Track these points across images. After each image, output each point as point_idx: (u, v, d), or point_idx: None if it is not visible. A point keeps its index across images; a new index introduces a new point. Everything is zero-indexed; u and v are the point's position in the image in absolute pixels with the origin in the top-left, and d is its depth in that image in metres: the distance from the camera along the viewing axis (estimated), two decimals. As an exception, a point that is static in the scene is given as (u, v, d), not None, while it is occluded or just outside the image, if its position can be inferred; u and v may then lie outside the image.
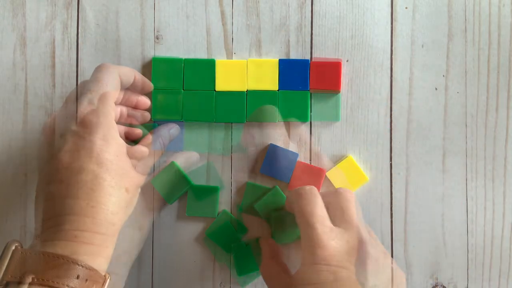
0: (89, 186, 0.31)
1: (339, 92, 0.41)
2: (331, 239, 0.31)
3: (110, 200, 0.31)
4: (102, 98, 0.33)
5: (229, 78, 0.41)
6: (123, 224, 0.34)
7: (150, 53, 0.41)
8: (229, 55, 0.42)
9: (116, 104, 0.36)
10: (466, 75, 0.42)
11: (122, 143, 0.34)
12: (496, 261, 0.42)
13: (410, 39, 0.42)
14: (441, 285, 0.41)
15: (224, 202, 0.42)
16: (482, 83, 0.42)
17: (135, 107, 0.39)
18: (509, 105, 0.42)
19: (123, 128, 0.38)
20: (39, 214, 0.32)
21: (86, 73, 0.41)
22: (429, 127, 0.42)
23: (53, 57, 0.41)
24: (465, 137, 0.42)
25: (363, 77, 0.42)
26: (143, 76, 0.39)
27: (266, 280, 0.36)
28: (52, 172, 0.32)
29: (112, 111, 0.34)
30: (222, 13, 0.42)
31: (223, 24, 0.42)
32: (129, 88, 0.38)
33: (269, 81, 0.41)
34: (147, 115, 0.40)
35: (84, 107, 0.33)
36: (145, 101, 0.39)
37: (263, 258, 0.38)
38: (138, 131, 0.39)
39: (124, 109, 0.38)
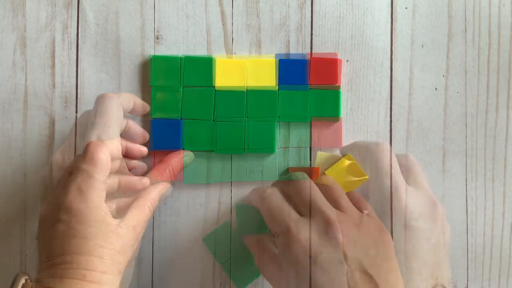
0: (97, 226, 0.31)
1: (338, 87, 0.41)
2: None
3: (118, 240, 0.32)
4: (109, 132, 0.34)
5: (228, 76, 0.41)
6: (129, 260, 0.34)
7: (150, 53, 0.41)
8: (229, 55, 0.42)
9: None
10: (466, 75, 0.42)
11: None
12: (496, 261, 0.42)
13: (410, 39, 0.42)
14: (441, 285, 0.41)
15: (224, 202, 0.42)
16: (482, 83, 0.42)
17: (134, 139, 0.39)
18: (509, 105, 0.42)
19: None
20: (44, 251, 0.32)
21: (86, 73, 0.41)
22: (429, 127, 0.42)
23: (53, 57, 0.41)
24: (465, 137, 0.42)
25: (363, 77, 0.42)
26: (142, 100, 0.40)
27: (267, 276, 0.36)
28: (59, 212, 0.31)
29: (119, 144, 0.34)
30: (222, 13, 0.42)
31: (223, 24, 0.42)
32: (129, 112, 0.39)
33: (268, 79, 0.41)
34: (145, 150, 0.40)
35: (94, 145, 0.33)
36: (141, 147, 0.40)
37: (254, 254, 0.38)
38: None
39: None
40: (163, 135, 0.41)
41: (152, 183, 0.38)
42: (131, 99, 0.38)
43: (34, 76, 0.41)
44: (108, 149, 0.33)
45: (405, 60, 0.42)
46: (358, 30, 0.42)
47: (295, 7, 0.42)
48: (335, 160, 0.40)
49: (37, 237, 0.33)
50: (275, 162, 0.41)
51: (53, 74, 0.41)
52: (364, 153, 0.37)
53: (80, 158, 0.33)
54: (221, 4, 0.42)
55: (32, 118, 0.41)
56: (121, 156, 0.37)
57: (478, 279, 0.42)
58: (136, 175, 0.38)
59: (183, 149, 0.41)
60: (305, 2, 0.42)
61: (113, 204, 0.35)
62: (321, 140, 0.41)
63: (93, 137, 0.33)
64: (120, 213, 0.34)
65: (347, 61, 0.42)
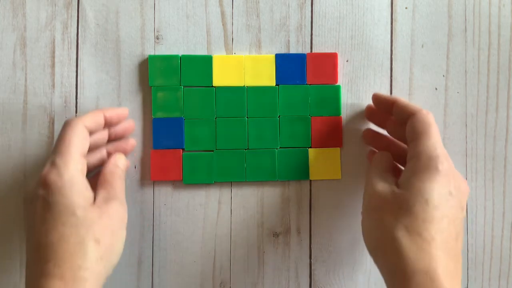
0: (54, 248, 0.31)
1: (338, 85, 0.41)
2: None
3: (78, 257, 0.31)
4: (63, 153, 0.33)
5: (226, 74, 0.41)
6: (107, 274, 0.34)
7: (150, 53, 0.41)
8: (229, 55, 0.42)
9: (89, 152, 0.37)
10: (466, 75, 0.42)
11: (88, 195, 0.34)
12: (496, 261, 0.42)
13: (410, 39, 0.42)
14: None
15: (224, 202, 0.42)
16: (482, 83, 0.42)
17: (123, 135, 0.40)
18: (509, 105, 0.42)
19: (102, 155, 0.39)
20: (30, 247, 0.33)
21: (86, 73, 0.41)
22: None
23: (53, 57, 0.41)
24: (465, 137, 0.42)
25: (363, 77, 0.42)
26: (113, 108, 0.39)
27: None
28: (29, 239, 0.33)
29: (78, 166, 0.34)
30: (222, 13, 0.42)
31: (223, 24, 0.42)
32: (105, 126, 0.38)
33: (266, 77, 0.41)
34: (133, 142, 0.40)
35: (47, 170, 0.33)
36: (128, 126, 0.40)
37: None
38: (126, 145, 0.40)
39: (104, 151, 0.39)
40: (164, 135, 0.41)
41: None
42: (97, 117, 0.37)
43: (34, 76, 0.41)
44: (60, 169, 0.33)
45: (405, 60, 0.42)
46: (358, 30, 0.42)
47: (295, 7, 0.42)
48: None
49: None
50: (275, 161, 0.41)
51: (53, 74, 0.41)
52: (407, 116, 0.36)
53: (37, 185, 0.33)
54: (221, 4, 0.42)
55: (32, 118, 0.41)
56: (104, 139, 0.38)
57: (478, 279, 0.42)
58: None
59: (184, 148, 0.41)
60: (305, 2, 0.42)
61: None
62: (321, 139, 0.41)
63: (48, 164, 0.33)
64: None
65: (347, 61, 0.42)
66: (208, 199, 0.42)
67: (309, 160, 0.41)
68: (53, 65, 0.41)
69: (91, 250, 0.32)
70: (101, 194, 0.35)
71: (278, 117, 0.41)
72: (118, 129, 0.39)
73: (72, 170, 0.33)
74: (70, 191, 0.32)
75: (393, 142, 0.40)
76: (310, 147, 0.41)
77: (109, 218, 0.33)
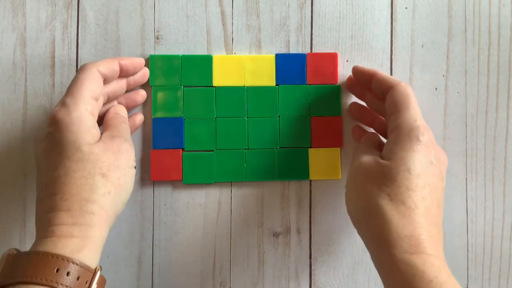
0: (62, 181, 0.31)
1: (338, 85, 0.41)
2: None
3: (84, 189, 0.32)
4: (74, 94, 0.34)
5: (226, 74, 0.41)
6: (117, 211, 0.34)
7: (150, 53, 0.41)
8: (229, 55, 0.42)
9: (102, 97, 0.37)
10: (466, 75, 0.42)
11: (96, 133, 0.34)
12: (496, 261, 0.42)
13: (410, 39, 0.42)
14: None
15: (224, 202, 0.42)
16: (482, 83, 0.42)
17: (137, 83, 0.40)
18: (509, 105, 0.42)
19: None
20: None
21: (86, 73, 0.41)
22: (429, 127, 0.42)
23: (53, 57, 0.41)
24: (465, 137, 0.42)
25: (363, 77, 0.42)
26: (130, 58, 0.39)
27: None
28: (38, 177, 0.33)
29: (87, 106, 0.34)
30: (222, 13, 0.42)
31: (223, 24, 0.42)
32: (121, 75, 0.39)
33: (266, 77, 0.41)
34: (144, 93, 0.41)
35: (57, 108, 0.33)
36: (143, 73, 0.41)
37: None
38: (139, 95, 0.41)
39: (116, 103, 0.40)
40: (164, 134, 0.41)
41: None
42: (113, 63, 0.37)
43: (34, 76, 0.41)
44: (69, 108, 0.33)
45: (405, 60, 0.42)
46: (358, 30, 0.42)
47: (295, 7, 0.42)
48: None
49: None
50: (275, 161, 0.41)
51: (53, 74, 0.41)
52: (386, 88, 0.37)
53: (47, 124, 0.34)
54: (221, 4, 0.42)
55: (32, 118, 0.41)
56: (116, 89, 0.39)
57: (478, 279, 0.42)
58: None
59: (184, 148, 0.41)
60: (305, 2, 0.42)
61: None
62: (321, 139, 0.41)
63: (59, 104, 0.34)
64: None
65: (347, 61, 0.42)
66: (208, 199, 0.42)
67: (309, 160, 0.41)
68: (53, 65, 0.41)
69: (98, 184, 0.32)
70: (106, 133, 0.35)
71: (278, 117, 0.41)
72: (134, 78, 0.40)
73: (82, 109, 0.34)
74: (78, 128, 0.33)
75: (378, 117, 0.40)
76: (310, 147, 0.41)
77: (114, 153, 0.34)
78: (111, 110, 0.38)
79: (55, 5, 0.41)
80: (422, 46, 0.42)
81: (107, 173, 0.33)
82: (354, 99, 0.42)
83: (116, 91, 0.39)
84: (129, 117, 0.40)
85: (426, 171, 0.32)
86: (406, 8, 0.42)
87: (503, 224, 0.42)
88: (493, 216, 0.42)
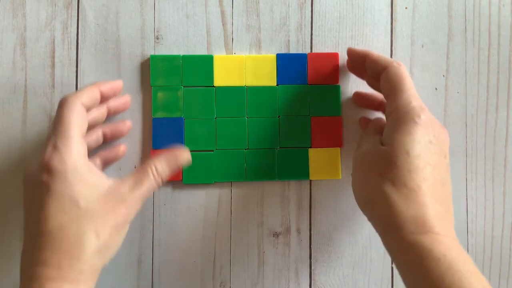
0: (54, 236, 0.30)
1: (338, 84, 0.41)
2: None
3: (76, 247, 0.31)
4: (64, 135, 0.33)
5: (227, 74, 0.41)
6: (103, 266, 0.33)
7: (150, 53, 0.41)
8: (230, 55, 0.42)
9: (88, 132, 0.36)
10: (466, 75, 0.42)
11: (97, 183, 0.33)
12: (496, 261, 0.42)
13: (410, 39, 0.42)
14: None
15: (224, 202, 0.42)
16: (482, 83, 0.42)
17: (118, 111, 0.40)
18: (509, 105, 0.42)
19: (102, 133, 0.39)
20: (27, 226, 0.32)
21: (86, 73, 0.41)
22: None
23: (53, 57, 0.41)
24: (465, 137, 0.42)
25: (363, 77, 0.42)
26: (108, 81, 0.38)
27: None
28: (26, 225, 0.32)
29: (80, 149, 0.33)
30: (222, 13, 0.42)
31: (223, 24, 0.42)
32: (101, 101, 0.38)
33: (267, 77, 0.41)
34: (129, 124, 0.40)
35: (49, 154, 0.32)
36: (125, 102, 0.40)
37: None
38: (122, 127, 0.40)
39: (100, 133, 0.39)
40: (164, 135, 0.41)
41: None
42: (94, 92, 0.36)
43: (34, 76, 0.41)
44: (63, 155, 0.32)
45: (405, 60, 0.42)
46: (358, 30, 0.42)
47: (295, 7, 0.42)
48: None
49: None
50: (275, 161, 0.41)
51: (53, 74, 0.41)
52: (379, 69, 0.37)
53: (39, 169, 0.32)
54: (221, 4, 0.42)
55: (32, 118, 0.41)
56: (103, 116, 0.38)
57: (478, 279, 0.42)
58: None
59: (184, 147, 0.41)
60: (305, 2, 0.42)
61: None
62: (321, 139, 0.41)
63: (49, 147, 0.32)
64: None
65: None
66: (208, 199, 0.42)
67: (309, 160, 0.41)
68: (53, 65, 0.41)
69: (90, 243, 0.31)
70: (115, 185, 0.33)
71: (278, 117, 0.41)
72: (115, 104, 0.39)
73: (75, 154, 0.32)
74: (74, 179, 0.31)
75: (383, 101, 0.40)
76: (310, 147, 0.41)
77: (114, 216, 0.32)
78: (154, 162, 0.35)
79: (55, 5, 0.41)
80: (422, 46, 0.42)
81: (101, 232, 0.32)
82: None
83: (97, 119, 0.37)
84: (118, 123, 0.40)
85: (426, 151, 0.32)
86: (406, 8, 0.42)
87: (503, 224, 0.42)
88: (493, 216, 0.42)
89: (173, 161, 0.36)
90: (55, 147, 0.32)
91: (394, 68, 0.35)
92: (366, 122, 0.41)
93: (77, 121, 0.33)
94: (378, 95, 0.41)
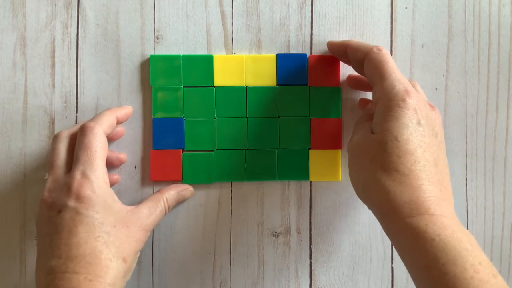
0: (87, 260, 0.32)
1: (339, 87, 0.41)
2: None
3: (108, 273, 0.32)
4: (93, 164, 0.34)
5: (227, 74, 0.41)
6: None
7: (150, 53, 0.41)
8: (230, 55, 0.42)
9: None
10: (466, 75, 0.42)
11: (120, 210, 0.35)
12: (496, 261, 0.42)
13: (410, 39, 0.42)
14: None
15: (224, 202, 0.42)
16: (482, 83, 0.42)
17: (113, 139, 0.41)
18: (509, 105, 0.42)
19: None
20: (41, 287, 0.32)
21: (86, 73, 0.41)
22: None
23: (53, 57, 0.41)
24: (465, 137, 0.42)
25: (363, 77, 0.42)
26: (121, 108, 0.40)
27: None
28: (52, 248, 0.32)
29: (105, 177, 0.35)
30: (222, 13, 0.42)
31: (223, 24, 0.42)
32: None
33: (267, 77, 0.41)
34: (124, 157, 0.41)
35: (79, 182, 0.33)
36: (121, 131, 0.41)
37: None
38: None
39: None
40: (164, 135, 0.41)
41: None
42: (112, 120, 0.38)
43: (34, 76, 0.41)
44: (93, 184, 0.34)
45: (405, 60, 0.42)
46: (358, 30, 0.42)
47: (295, 7, 0.42)
48: None
49: (36, 280, 0.33)
50: (275, 161, 0.41)
51: (53, 74, 0.41)
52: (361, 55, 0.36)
53: (67, 196, 0.33)
54: (221, 4, 0.42)
55: (32, 118, 0.41)
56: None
57: (478, 279, 0.42)
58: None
59: (184, 148, 0.41)
60: (305, 2, 0.42)
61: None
62: (321, 141, 0.41)
63: (78, 175, 0.33)
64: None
65: (347, 61, 0.42)
66: (208, 199, 0.42)
67: (309, 161, 0.41)
68: (53, 65, 0.41)
69: (119, 268, 0.33)
70: (145, 210, 0.37)
71: (278, 117, 0.41)
72: (111, 133, 0.40)
73: (102, 183, 0.34)
74: (102, 206, 0.33)
75: None
76: (310, 149, 0.41)
77: (136, 241, 0.35)
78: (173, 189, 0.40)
79: (55, 5, 0.41)
80: (422, 46, 0.42)
81: (127, 258, 0.34)
82: (354, 100, 0.42)
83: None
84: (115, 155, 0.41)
85: (415, 134, 0.32)
86: (406, 8, 0.42)
87: (503, 224, 0.42)
88: (493, 216, 0.42)
89: (181, 195, 0.40)
90: (84, 175, 0.34)
91: (374, 54, 0.35)
92: (365, 103, 0.41)
93: (101, 149, 0.35)
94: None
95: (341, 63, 0.42)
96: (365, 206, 0.40)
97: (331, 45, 0.40)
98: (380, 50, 0.35)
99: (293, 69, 0.41)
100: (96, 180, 0.34)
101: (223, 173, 0.41)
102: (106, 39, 0.41)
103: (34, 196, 0.41)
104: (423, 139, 0.32)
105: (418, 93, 0.35)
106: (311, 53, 0.42)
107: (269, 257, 0.42)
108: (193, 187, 0.41)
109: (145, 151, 0.41)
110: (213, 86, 0.41)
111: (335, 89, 0.41)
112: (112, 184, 0.40)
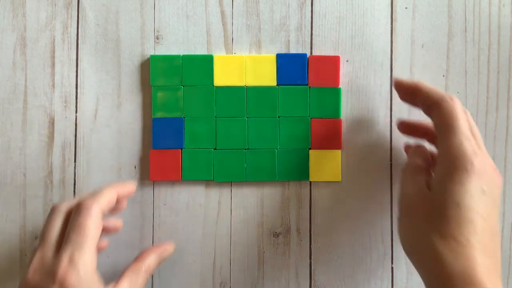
0: None
1: (339, 87, 0.41)
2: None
3: None
4: (82, 247, 0.32)
5: (227, 74, 0.41)
6: None
7: (150, 53, 0.41)
8: (230, 55, 0.42)
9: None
10: (466, 75, 0.42)
11: None
12: (496, 261, 0.42)
13: (410, 39, 0.42)
14: None
15: (224, 202, 0.42)
16: (482, 83, 0.42)
17: (110, 231, 0.39)
18: (509, 105, 0.42)
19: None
20: None
21: (86, 73, 0.41)
22: (429, 127, 0.42)
23: (53, 57, 0.41)
24: (465, 137, 0.42)
25: (363, 77, 0.42)
26: (124, 184, 0.37)
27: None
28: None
29: (93, 262, 0.33)
30: (222, 13, 0.42)
31: (223, 24, 0.42)
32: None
33: (267, 77, 0.41)
34: (120, 225, 0.40)
35: (64, 270, 0.31)
36: (119, 224, 0.40)
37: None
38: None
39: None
40: (164, 135, 0.41)
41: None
42: (113, 198, 0.35)
43: (34, 76, 0.41)
44: (80, 272, 0.32)
45: (405, 60, 0.42)
46: (358, 30, 0.42)
47: (295, 7, 0.42)
48: None
49: None
50: (275, 161, 0.41)
51: (53, 74, 0.41)
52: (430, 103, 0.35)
53: (52, 282, 0.31)
54: (221, 4, 0.42)
55: (32, 118, 0.41)
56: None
57: (478, 279, 0.42)
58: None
59: (185, 148, 0.41)
60: (305, 2, 0.42)
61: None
62: (321, 141, 0.41)
63: (65, 259, 0.32)
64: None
65: (347, 61, 0.42)
66: (208, 199, 0.42)
67: (310, 162, 0.41)
68: (53, 65, 0.41)
69: None
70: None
71: (278, 117, 0.41)
72: (108, 225, 0.39)
73: (89, 270, 0.32)
74: None
75: (430, 128, 0.38)
76: (310, 149, 0.41)
77: None
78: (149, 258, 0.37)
79: (55, 5, 0.41)
80: (422, 46, 0.42)
81: None
82: (354, 100, 0.42)
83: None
84: (107, 221, 0.39)
85: (478, 203, 0.31)
86: (406, 8, 0.42)
87: (503, 224, 0.42)
88: (493, 216, 0.42)
89: (161, 258, 0.38)
90: (72, 261, 0.32)
91: (447, 104, 0.33)
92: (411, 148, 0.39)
93: (95, 230, 0.33)
94: (424, 122, 0.39)
95: (341, 63, 0.42)
96: (365, 206, 0.40)
97: (399, 84, 0.38)
98: (453, 99, 0.34)
99: (293, 69, 0.41)
100: (83, 268, 0.32)
101: (223, 173, 0.41)
102: (106, 39, 0.41)
103: (34, 196, 0.41)
104: (484, 208, 0.31)
105: (483, 153, 0.33)
106: (311, 53, 0.42)
107: (269, 257, 0.42)
108: (193, 186, 0.41)
109: (145, 151, 0.41)
110: (213, 86, 0.41)
111: (335, 90, 0.41)
112: (98, 250, 0.37)
